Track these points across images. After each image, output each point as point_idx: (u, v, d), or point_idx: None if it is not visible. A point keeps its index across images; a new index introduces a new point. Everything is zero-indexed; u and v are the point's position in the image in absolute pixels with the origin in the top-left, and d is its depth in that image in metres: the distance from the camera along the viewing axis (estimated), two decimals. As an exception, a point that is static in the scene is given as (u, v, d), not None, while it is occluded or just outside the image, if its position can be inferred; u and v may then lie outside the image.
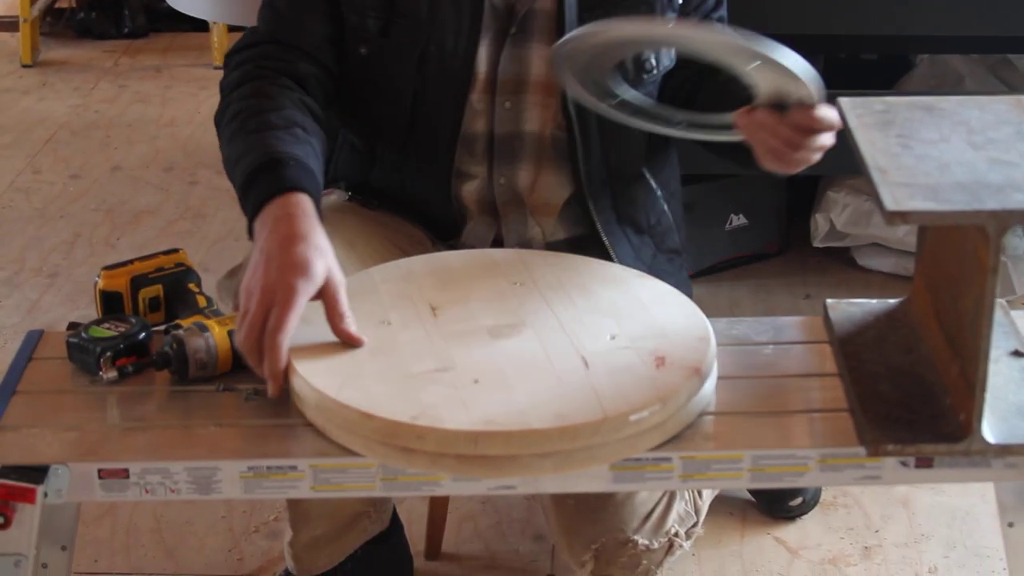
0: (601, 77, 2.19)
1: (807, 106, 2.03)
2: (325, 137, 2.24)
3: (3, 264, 3.97)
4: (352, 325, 1.96)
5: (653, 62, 2.39)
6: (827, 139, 2.06)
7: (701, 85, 2.39)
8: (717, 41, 2.02)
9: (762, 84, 2.03)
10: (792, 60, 1.95)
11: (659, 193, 2.56)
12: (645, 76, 2.39)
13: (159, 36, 5.62)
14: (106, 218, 4.22)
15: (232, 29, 5.08)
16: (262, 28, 2.39)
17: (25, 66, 5.37)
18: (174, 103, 5.02)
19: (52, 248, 4.06)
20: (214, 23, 5.08)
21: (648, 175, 2.54)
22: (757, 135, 2.09)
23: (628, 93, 2.22)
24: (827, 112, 2.04)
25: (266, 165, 2.09)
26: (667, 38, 2.22)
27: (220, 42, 5.22)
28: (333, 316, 1.95)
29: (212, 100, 4.84)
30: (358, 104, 2.45)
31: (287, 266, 1.92)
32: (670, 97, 2.40)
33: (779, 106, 2.04)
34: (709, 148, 2.32)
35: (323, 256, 1.94)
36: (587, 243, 2.43)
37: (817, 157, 2.09)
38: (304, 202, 2.03)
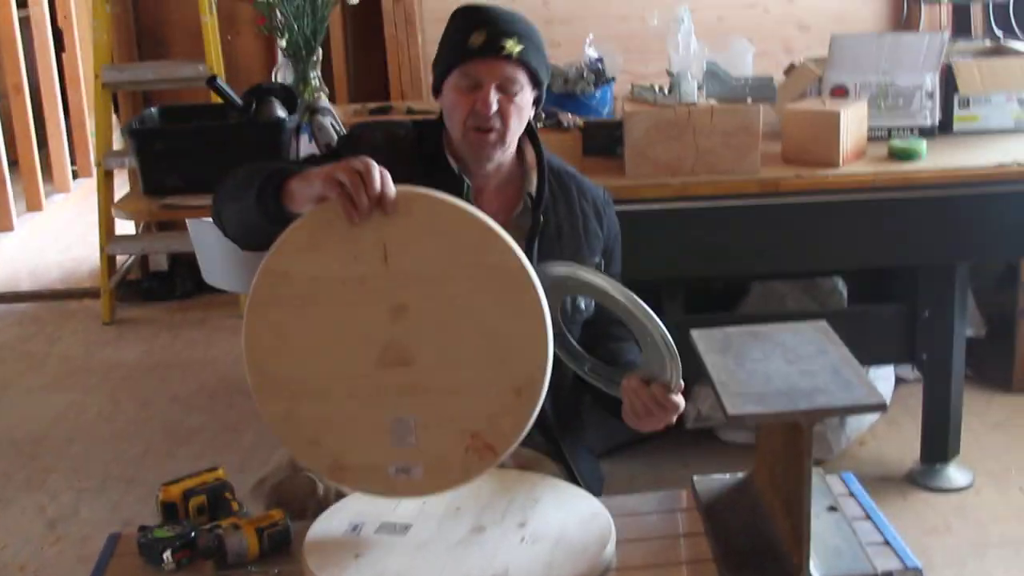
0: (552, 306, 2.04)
1: (666, 387, 2.04)
2: None
3: (93, 474, 3.88)
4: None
5: (582, 307, 2.33)
6: (670, 418, 2.07)
7: (598, 342, 2.34)
8: (641, 312, 1.99)
9: (647, 355, 2.03)
10: (672, 348, 1.98)
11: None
12: (577, 316, 2.32)
13: (202, 296, 5.54)
14: (168, 436, 4.14)
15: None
16: None
17: (106, 324, 5.30)
18: (215, 346, 4.96)
19: (128, 461, 3.97)
20: (242, 290, 5.08)
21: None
22: (627, 396, 2.09)
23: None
24: (677, 398, 2.06)
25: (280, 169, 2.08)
26: (607, 294, 2.04)
27: (246, 300, 5.17)
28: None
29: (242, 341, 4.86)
30: None
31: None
32: (581, 339, 2.31)
33: (647, 380, 2.06)
34: (594, 392, 2.27)
35: None
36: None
37: (661, 426, 2.09)
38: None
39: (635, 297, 1.98)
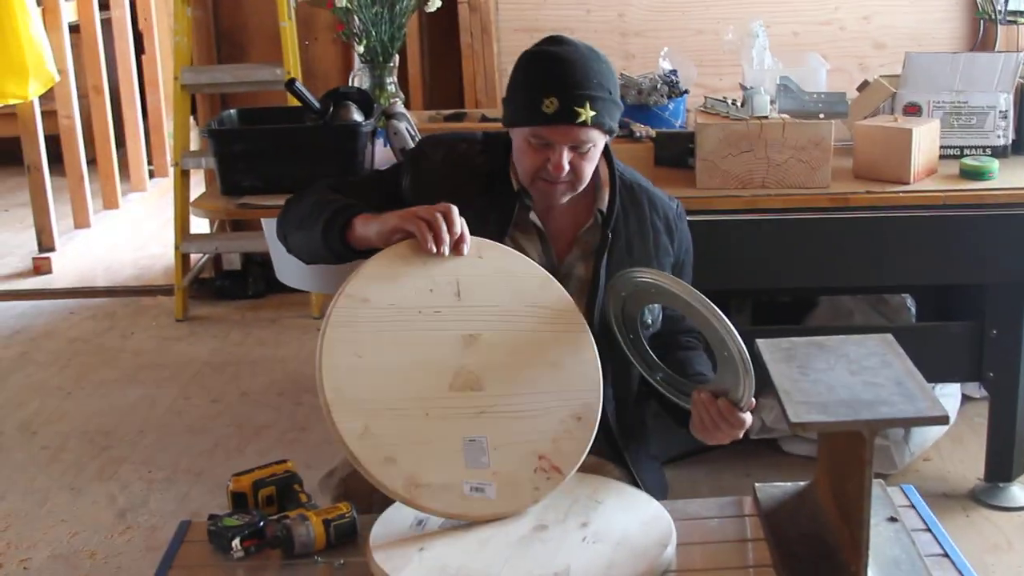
0: (632, 314, 2.21)
1: (735, 404, 2.07)
2: None
3: (163, 466, 3.95)
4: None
5: (649, 320, 2.35)
6: (737, 433, 2.10)
7: (667, 350, 2.38)
8: (721, 325, 2.01)
9: (721, 369, 2.06)
10: (748, 365, 2.00)
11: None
12: (644, 330, 2.32)
13: (274, 296, 5.60)
14: (237, 431, 4.20)
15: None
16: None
17: (178, 320, 5.38)
18: (285, 345, 5.02)
19: (198, 454, 4.03)
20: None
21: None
22: (697, 408, 2.12)
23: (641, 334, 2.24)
24: (745, 416, 2.08)
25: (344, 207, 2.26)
26: (690, 305, 2.05)
27: (317, 300, 5.25)
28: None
29: (312, 341, 4.94)
30: None
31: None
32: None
33: (717, 394, 2.08)
34: (662, 401, 2.31)
35: None
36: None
37: (727, 441, 2.11)
38: None
39: (716, 310, 2.01)
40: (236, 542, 2.03)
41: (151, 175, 7.76)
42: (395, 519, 2.04)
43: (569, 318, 2.16)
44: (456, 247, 2.11)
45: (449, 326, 2.07)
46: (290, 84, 3.11)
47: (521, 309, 2.12)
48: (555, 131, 2.25)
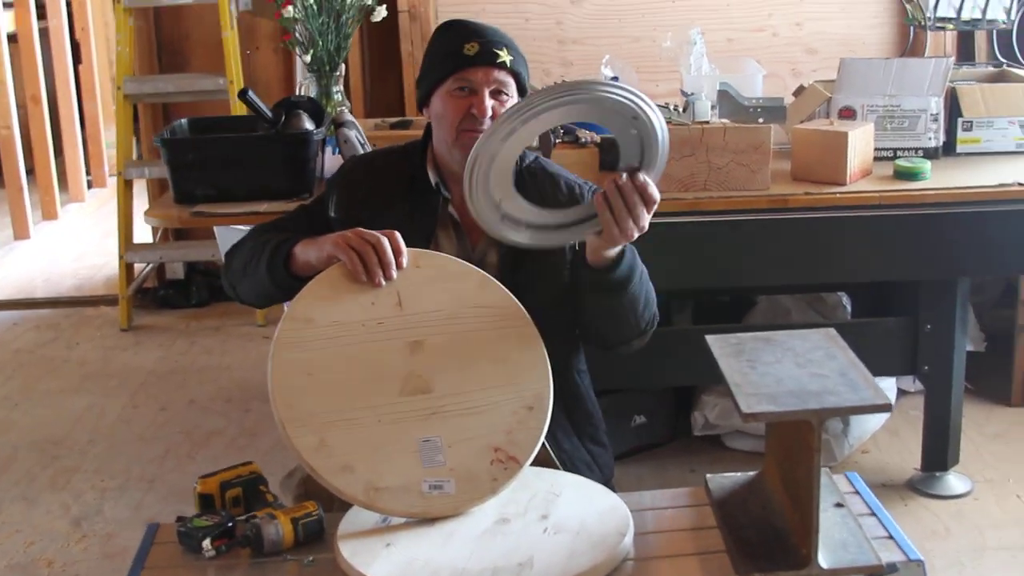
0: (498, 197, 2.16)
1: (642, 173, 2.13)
2: None
3: (115, 474, 3.96)
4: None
5: None
6: (648, 213, 2.16)
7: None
8: (613, 95, 2.05)
9: (623, 154, 2.14)
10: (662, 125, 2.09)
11: (589, 396, 2.58)
12: None
13: (217, 305, 5.62)
14: (187, 438, 4.23)
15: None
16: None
17: (123, 330, 5.38)
18: (230, 353, 5.04)
19: (149, 461, 4.05)
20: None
21: (581, 387, 2.56)
22: (607, 197, 2.14)
23: (512, 206, 2.18)
24: (655, 192, 2.14)
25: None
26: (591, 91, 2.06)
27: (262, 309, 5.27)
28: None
29: (258, 348, 4.98)
30: None
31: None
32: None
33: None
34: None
35: None
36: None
37: (634, 233, 2.17)
38: None
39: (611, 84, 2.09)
40: (207, 542, 2.05)
41: (89, 185, 7.73)
42: (361, 516, 2.08)
43: (511, 313, 2.21)
44: (397, 266, 2.18)
45: (394, 335, 2.13)
46: (243, 94, 3.16)
47: (463, 311, 2.18)
48: (477, 71, 2.38)
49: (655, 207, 2.17)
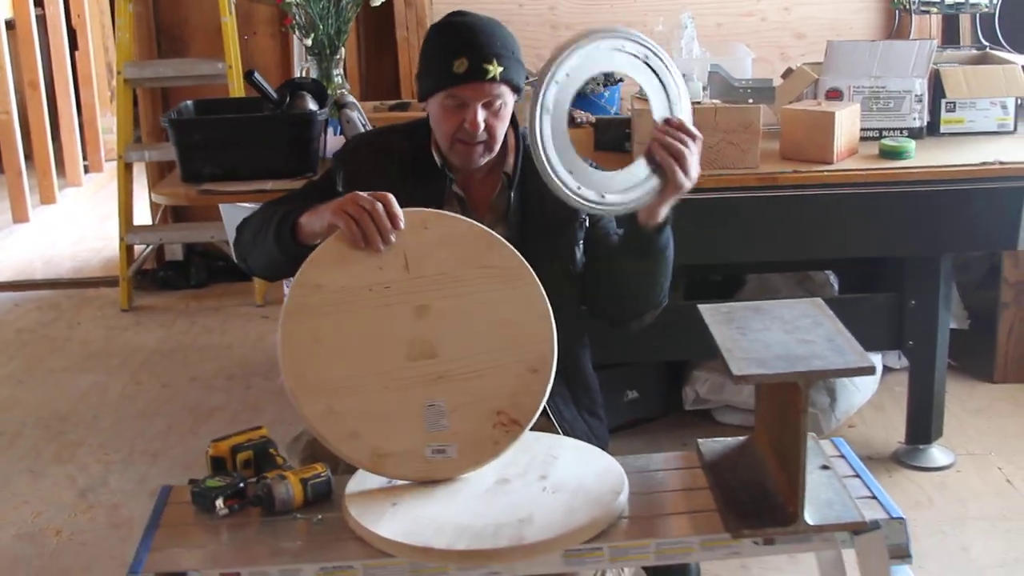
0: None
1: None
2: None
3: (119, 448, 4.03)
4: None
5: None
6: (697, 147, 2.29)
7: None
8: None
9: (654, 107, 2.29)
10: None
11: (588, 370, 2.66)
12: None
13: (216, 285, 5.68)
14: (190, 414, 4.29)
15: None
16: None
17: (124, 310, 5.45)
18: (230, 332, 5.11)
19: (153, 436, 4.11)
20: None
21: (582, 360, 2.63)
22: (656, 145, 2.28)
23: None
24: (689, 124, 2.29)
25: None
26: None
27: (260, 288, 5.32)
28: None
29: (257, 328, 5.05)
30: None
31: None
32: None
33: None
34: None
35: None
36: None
37: (694, 166, 2.29)
38: None
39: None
40: (219, 501, 2.13)
41: (86, 170, 7.79)
42: (368, 477, 2.17)
43: (518, 274, 2.20)
44: (393, 227, 2.16)
45: (400, 299, 2.15)
46: (249, 75, 3.24)
47: (470, 272, 2.18)
48: (467, 88, 2.39)
49: (700, 144, 2.27)
